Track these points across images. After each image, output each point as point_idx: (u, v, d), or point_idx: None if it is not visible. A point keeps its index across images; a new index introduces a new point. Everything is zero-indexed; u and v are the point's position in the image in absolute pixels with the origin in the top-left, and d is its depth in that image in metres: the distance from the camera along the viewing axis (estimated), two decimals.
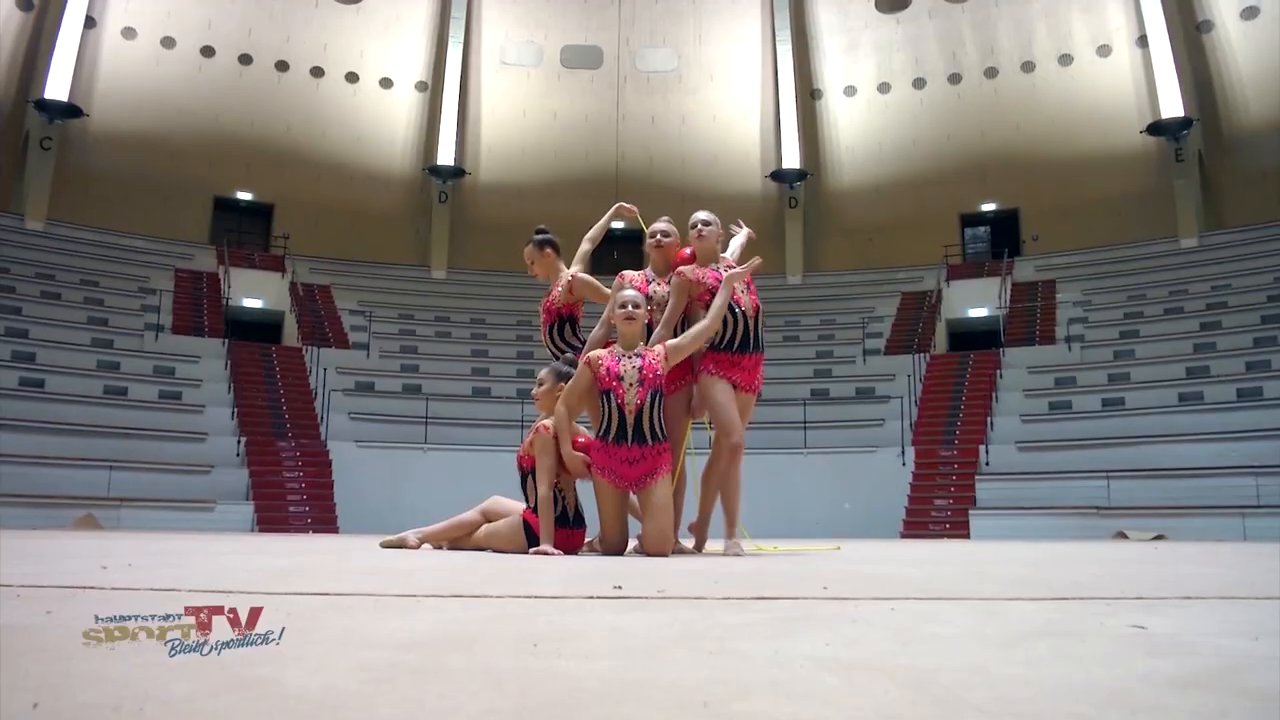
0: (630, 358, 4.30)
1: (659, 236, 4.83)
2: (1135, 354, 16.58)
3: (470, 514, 4.65)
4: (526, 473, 4.42)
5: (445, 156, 22.93)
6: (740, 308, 4.47)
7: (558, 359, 4.87)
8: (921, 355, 17.83)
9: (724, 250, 4.86)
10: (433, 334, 19.66)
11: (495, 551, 4.36)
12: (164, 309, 17.67)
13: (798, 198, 22.97)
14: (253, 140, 22.06)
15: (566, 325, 4.99)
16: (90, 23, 20.60)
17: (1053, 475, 13.65)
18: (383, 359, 18.08)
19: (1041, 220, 21.59)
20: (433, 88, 23.37)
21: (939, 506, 13.99)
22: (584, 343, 4.95)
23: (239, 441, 14.39)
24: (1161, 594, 2.04)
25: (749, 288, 4.57)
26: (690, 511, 4.80)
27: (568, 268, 5.09)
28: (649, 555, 4.14)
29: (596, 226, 5.39)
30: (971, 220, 23.01)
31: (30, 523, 10.52)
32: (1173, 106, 20.26)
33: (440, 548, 4.55)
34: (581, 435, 4.49)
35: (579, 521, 4.42)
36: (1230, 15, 20.46)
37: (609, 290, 4.84)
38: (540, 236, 5.13)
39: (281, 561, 3.07)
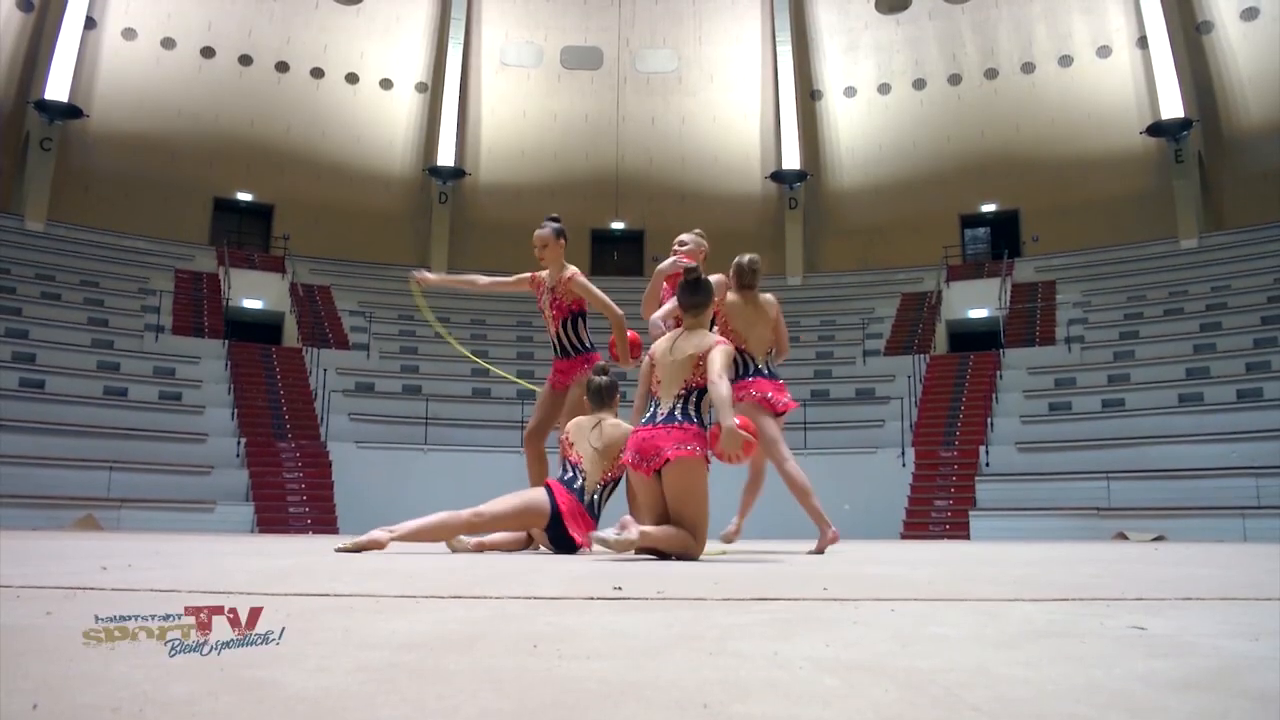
0: None
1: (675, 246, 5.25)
2: (1135, 355, 16.58)
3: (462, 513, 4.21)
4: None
5: (445, 157, 22.95)
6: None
7: (569, 356, 4.98)
8: (921, 356, 17.83)
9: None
10: (433, 334, 19.65)
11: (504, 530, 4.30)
12: (164, 310, 17.67)
13: (798, 199, 22.97)
14: (253, 141, 22.08)
15: (579, 321, 5.08)
16: (90, 24, 20.62)
17: (1053, 476, 13.65)
18: (383, 359, 18.08)
19: (1041, 221, 21.60)
20: (433, 89, 23.39)
21: (939, 507, 13.99)
22: (591, 344, 5.08)
23: (239, 442, 14.40)
24: (1161, 595, 2.04)
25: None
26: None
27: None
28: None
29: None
30: (971, 221, 23.03)
31: (30, 523, 10.52)
32: (1173, 107, 20.27)
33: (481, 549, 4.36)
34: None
35: (594, 511, 4.21)
36: (1230, 16, 20.48)
37: (601, 294, 4.99)
38: (558, 225, 5.17)
39: (281, 562, 3.07)
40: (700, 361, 3.81)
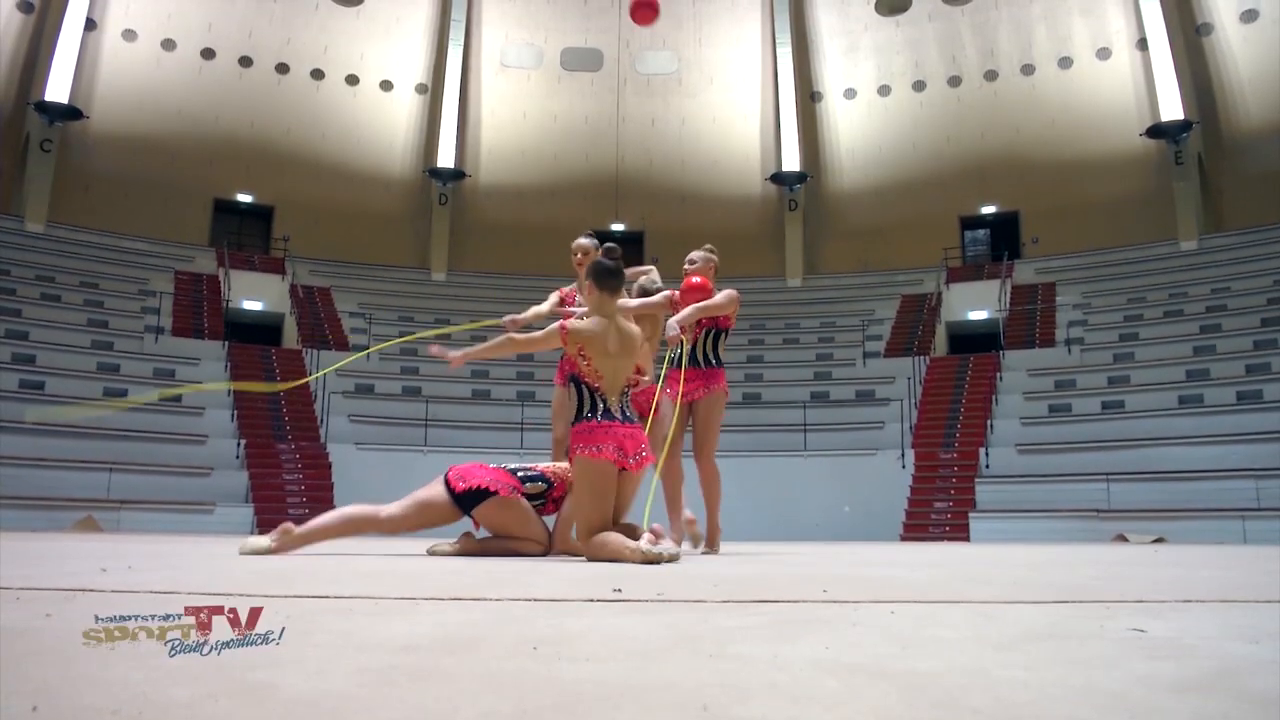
0: None
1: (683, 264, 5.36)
2: (1135, 357, 16.58)
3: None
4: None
5: (445, 159, 22.95)
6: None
7: None
8: (921, 358, 17.83)
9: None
10: (432, 336, 19.64)
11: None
12: (164, 311, 17.67)
13: (798, 200, 22.98)
14: (253, 142, 22.08)
15: None
16: (91, 25, 20.62)
17: (1052, 478, 13.64)
18: (383, 361, 18.06)
19: (1041, 223, 21.60)
20: (433, 90, 23.39)
21: (939, 509, 13.99)
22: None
23: (239, 444, 14.40)
24: (1161, 597, 2.04)
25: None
26: None
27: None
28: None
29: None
30: (971, 223, 23.03)
31: (30, 525, 10.52)
32: (1172, 109, 20.28)
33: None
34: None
35: (520, 479, 4.30)
36: (1230, 18, 20.48)
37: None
38: (595, 240, 5.32)
39: (281, 563, 3.07)
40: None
